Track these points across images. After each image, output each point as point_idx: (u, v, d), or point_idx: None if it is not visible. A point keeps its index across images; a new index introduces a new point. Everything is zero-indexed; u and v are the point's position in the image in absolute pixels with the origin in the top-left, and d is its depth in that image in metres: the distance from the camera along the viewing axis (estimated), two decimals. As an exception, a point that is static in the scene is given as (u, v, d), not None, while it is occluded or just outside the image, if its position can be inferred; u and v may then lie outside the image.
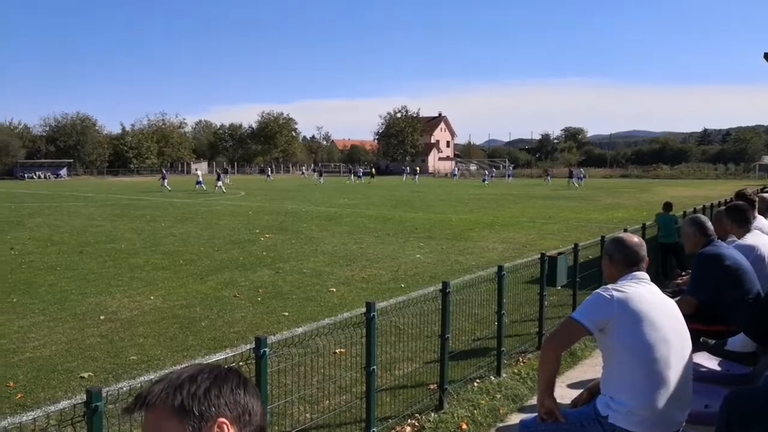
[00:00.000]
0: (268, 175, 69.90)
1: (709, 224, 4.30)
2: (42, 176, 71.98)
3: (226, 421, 1.11)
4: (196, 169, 54.68)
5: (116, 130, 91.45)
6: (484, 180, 60.18)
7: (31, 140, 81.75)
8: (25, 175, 70.52)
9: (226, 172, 63.47)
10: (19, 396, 5.37)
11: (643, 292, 2.86)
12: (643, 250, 3.04)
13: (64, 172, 75.41)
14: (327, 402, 5.06)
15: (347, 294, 9.51)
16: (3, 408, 5.12)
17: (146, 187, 43.27)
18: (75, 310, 8.43)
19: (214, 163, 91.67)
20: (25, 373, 5.94)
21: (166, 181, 43.31)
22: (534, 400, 5.08)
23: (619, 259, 3.02)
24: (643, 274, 2.97)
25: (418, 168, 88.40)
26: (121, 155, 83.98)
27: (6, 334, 7.28)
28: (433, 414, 4.87)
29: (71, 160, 78.42)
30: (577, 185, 48.93)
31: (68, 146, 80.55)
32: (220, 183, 41.81)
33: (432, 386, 5.29)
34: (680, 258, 9.82)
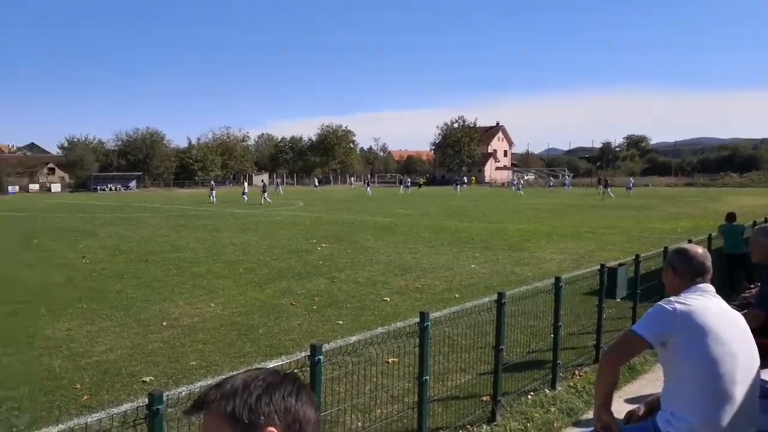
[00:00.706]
0: (316, 186, 70.80)
1: None
2: (113, 188, 75.49)
3: (274, 430, 1.12)
4: (244, 181, 55.56)
5: (183, 143, 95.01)
6: (518, 189, 57.07)
7: (105, 154, 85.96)
8: (98, 188, 74.10)
9: (279, 183, 64.91)
10: (85, 398, 5.63)
11: (707, 304, 2.74)
12: (709, 261, 2.92)
13: (133, 184, 78.86)
14: (379, 411, 5.06)
15: (401, 303, 9.52)
16: (70, 409, 5.38)
17: (206, 199, 44.60)
18: (139, 317, 8.78)
19: (274, 174, 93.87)
20: (91, 376, 6.22)
21: (213, 192, 44.48)
22: (590, 414, 4.94)
23: (683, 271, 2.90)
24: (709, 287, 2.85)
25: (473, 177, 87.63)
26: (186, 167, 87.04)
27: (75, 338, 7.66)
28: (485, 426, 4.81)
29: (140, 173, 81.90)
30: (612, 194, 46.61)
31: (138, 159, 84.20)
32: (265, 194, 42.10)
33: (485, 398, 5.22)
34: (748, 270, 9.34)
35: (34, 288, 11.08)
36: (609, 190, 48.43)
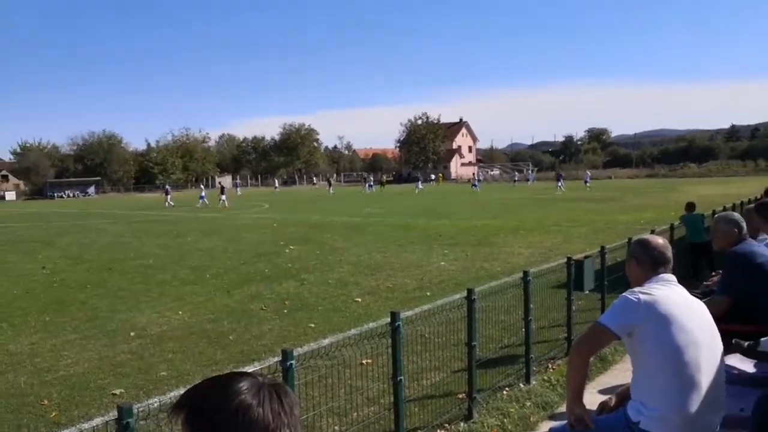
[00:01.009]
0: (276, 187, 70.24)
1: (744, 222, 4.24)
2: (71, 195, 73.55)
3: None
4: (200, 184, 53.63)
5: (141, 146, 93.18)
6: (474, 186, 55.78)
7: (60, 159, 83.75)
8: (55, 194, 72.14)
9: (237, 185, 64.15)
10: (53, 414, 5.48)
11: (670, 294, 2.81)
12: (669, 251, 2.99)
13: (92, 190, 76.95)
14: (355, 414, 5.04)
15: (373, 304, 9.52)
16: (38, 426, 5.22)
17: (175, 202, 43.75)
18: (106, 327, 8.57)
19: (237, 176, 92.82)
20: (58, 391, 6.05)
21: (169, 197, 43.33)
22: (564, 407, 5.02)
23: (645, 261, 2.96)
24: (671, 276, 2.92)
25: (440, 175, 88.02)
26: (146, 171, 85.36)
27: (40, 352, 7.44)
28: (462, 423, 4.84)
29: (98, 178, 79.98)
30: (563, 189, 46.62)
31: (95, 164, 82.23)
32: (223, 197, 41.13)
33: (460, 395, 5.25)
34: (710, 258, 9.62)
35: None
36: (561, 184, 48.24)
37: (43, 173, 78.00)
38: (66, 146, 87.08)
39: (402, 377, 4.33)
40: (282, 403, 1.15)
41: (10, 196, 71.63)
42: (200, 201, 41.69)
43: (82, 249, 18.40)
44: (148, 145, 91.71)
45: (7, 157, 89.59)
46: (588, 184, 50.86)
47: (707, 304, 3.03)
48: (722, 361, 2.84)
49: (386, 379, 4.53)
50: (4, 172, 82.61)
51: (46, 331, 8.49)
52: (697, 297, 3.03)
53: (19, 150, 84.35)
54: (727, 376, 2.92)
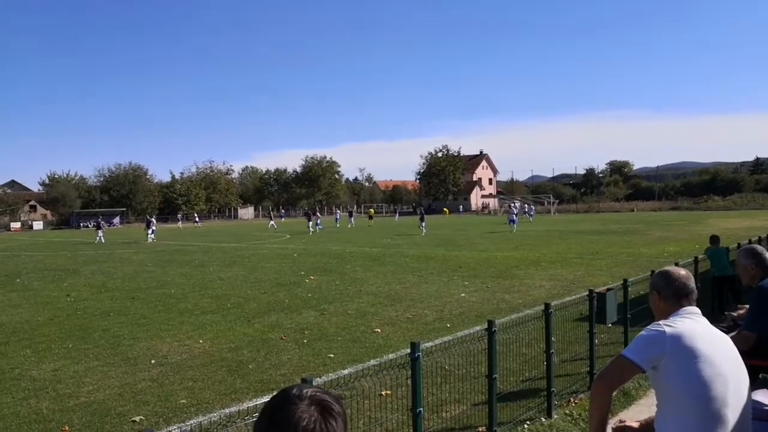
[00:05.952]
0: (197, 221, 66.83)
1: (767, 255, 4.16)
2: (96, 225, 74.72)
3: None
4: (152, 217, 47.49)
5: (166, 178, 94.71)
6: (511, 219, 57.04)
7: (87, 190, 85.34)
8: (81, 224, 73.36)
9: (180, 219, 61.06)
10: (74, 440, 5.50)
11: (695, 327, 2.76)
12: (692, 282, 2.95)
13: (117, 220, 78.14)
14: (374, 445, 5.00)
15: (392, 334, 9.47)
16: (59, 452, 5.24)
17: (192, 233, 44.12)
18: (127, 355, 8.64)
19: (260, 207, 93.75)
20: (79, 417, 6.09)
21: (100, 232, 40.72)
22: (587, 443, 4.92)
23: (667, 294, 2.92)
24: (695, 309, 2.88)
25: (445, 210, 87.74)
26: (170, 202, 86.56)
27: (62, 379, 7.51)
28: (482, 457, 4.76)
29: (124, 209, 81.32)
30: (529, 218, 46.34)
31: (121, 195, 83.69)
32: (150, 231, 40.10)
33: (480, 429, 5.18)
34: (736, 292, 9.45)
35: (18, 328, 10.88)
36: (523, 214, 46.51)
37: (70, 204, 79.46)
38: (93, 177, 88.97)
39: (422, 409, 4.30)
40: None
41: (38, 225, 73.01)
42: (150, 236, 39.87)
43: (106, 277, 18.64)
44: (173, 176, 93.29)
45: (36, 188, 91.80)
46: (531, 217, 49.11)
47: (733, 339, 2.97)
48: (749, 396, 2.78)
49: (406, 410, 4.50)
50: (32, 203, 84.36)
51: (68, 357, 8.59)
52: (723, 331, 2.98)
53: (47, 181, 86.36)
54: (754, 411, 2.85)
